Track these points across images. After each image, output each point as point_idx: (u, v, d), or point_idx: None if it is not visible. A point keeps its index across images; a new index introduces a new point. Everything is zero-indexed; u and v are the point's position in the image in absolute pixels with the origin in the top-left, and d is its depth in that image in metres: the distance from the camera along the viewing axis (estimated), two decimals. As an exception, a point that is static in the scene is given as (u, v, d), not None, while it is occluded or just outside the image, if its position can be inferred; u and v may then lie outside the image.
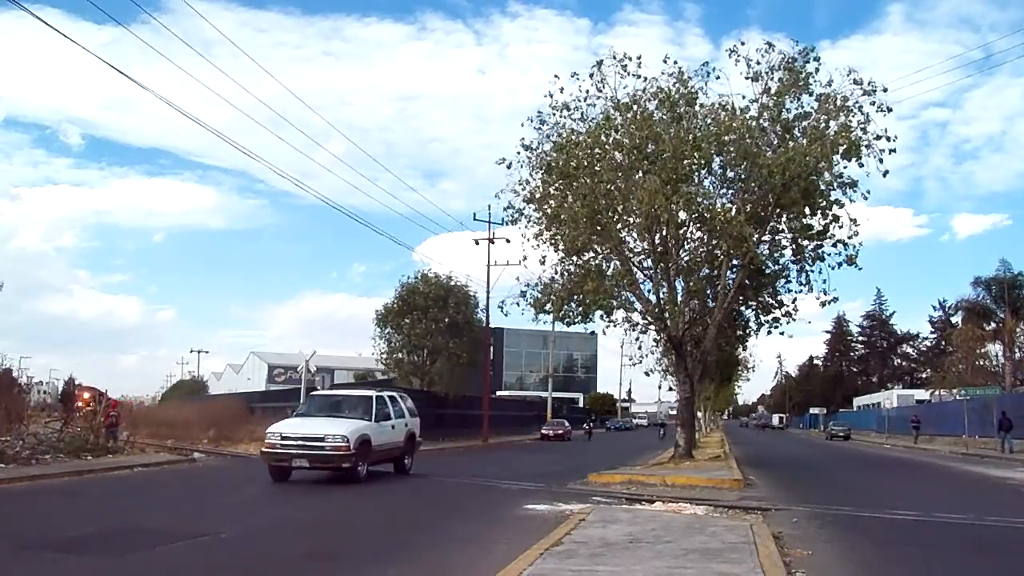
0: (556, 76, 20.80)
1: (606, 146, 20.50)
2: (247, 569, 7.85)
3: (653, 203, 18.77)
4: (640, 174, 19.89)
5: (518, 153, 21.18)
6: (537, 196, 21.17)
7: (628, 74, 20.33)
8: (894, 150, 19.54)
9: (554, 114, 20.80)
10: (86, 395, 28.37)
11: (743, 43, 20.49)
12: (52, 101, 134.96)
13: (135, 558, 8.08)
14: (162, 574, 7.61)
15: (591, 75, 20.56)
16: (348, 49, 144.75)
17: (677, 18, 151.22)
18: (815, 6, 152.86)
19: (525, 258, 22.15)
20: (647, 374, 29.20)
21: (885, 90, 19.71)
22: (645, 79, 20.40)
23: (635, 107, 20.42)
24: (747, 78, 20.28)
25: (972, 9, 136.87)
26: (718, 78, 20.73)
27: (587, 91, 20.66)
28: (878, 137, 19.51)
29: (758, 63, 20.15)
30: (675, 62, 20.74)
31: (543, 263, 21.71)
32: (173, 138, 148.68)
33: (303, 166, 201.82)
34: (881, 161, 19.58)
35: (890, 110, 19.75)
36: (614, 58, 20.47)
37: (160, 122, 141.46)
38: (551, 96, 20.65)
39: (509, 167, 21.27)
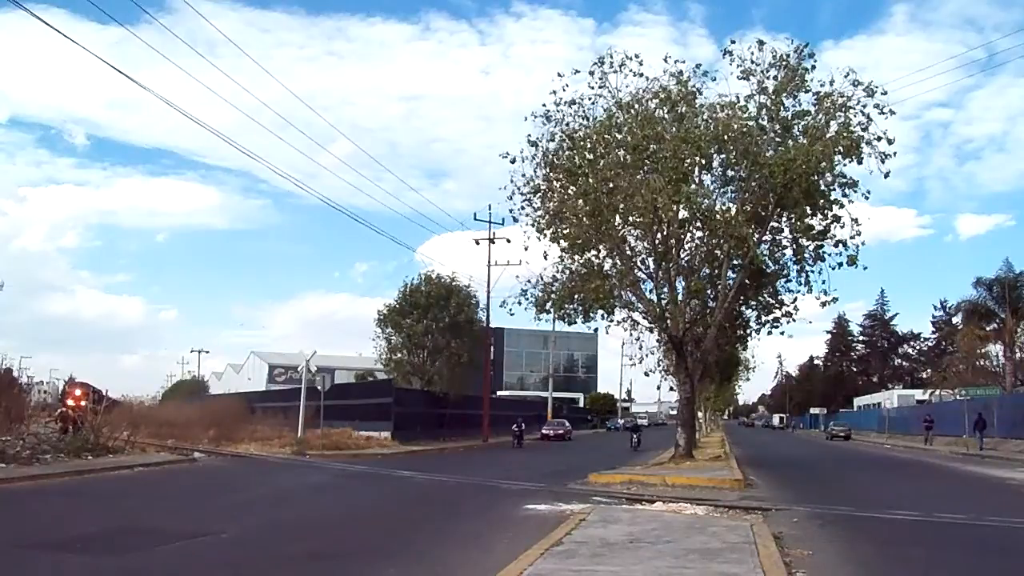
0: (560, 74, 20.83)
1: (610, 144, 20.51)
2: (247, 569, 7.85)
3: (657, 200, 18.77)
4: (642, 173, 19.91)
5: (521, 151, 21.21)
6: (542, 189, 21.22)
7: (629, 72, 20.35)
8: (894, 153, 19.55)
9: (559, 111, 20.83)
10: (78, 391, 27.18)
11: (733, 42, 20.54)
12: (56, 101, 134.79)
13: (136, 558, 8.09)
14: (163, 574, 7.61)
15: (591, 72, 20.59)
16: (352, 49, 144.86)
17: (682, 18, 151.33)
18: (819, 6, 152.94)
19: (526, 249, 22.16)
20: (647, 374, 29.38)
21: (884, 93, 19.71)
22: (647, 78, 20.43)
23: (637, 106, 20.43)
24: (739, 78, 20.30)
25: (976, 10, 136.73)
26: (714, 80, 20.77)
27: (590, 88, 20.68)
28: (879, 138, 19.50)
29: (751, 61, 20.16)
30: (676, 61, 20.78)
31: (546, 257, 21.75)
32: (177, 138, 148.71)
33: (307, 166, 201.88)
34: (882, 161, 19.57)
35: (893, 112, 19.73)
36: (611, 58, 20.49)
37: (164, 122, 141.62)
38: (555, 94, 20.69)
39: (513, 162, 21.31)
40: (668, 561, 7.58)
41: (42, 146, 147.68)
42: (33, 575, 7.45)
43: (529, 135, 21.06)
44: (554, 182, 21.13)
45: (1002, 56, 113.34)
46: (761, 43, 20.20)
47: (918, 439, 45.47)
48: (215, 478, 18.65)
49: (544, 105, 20.94)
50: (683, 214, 20.83)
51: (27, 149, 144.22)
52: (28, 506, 12.49)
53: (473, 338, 40.24)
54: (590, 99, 20.72)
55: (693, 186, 20.06)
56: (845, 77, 19.68)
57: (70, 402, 25.39)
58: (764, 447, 43.72)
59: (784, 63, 19.95)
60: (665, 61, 20.65)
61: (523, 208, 21.75)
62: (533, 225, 21.52)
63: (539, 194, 21.33)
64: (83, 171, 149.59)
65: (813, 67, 20.10)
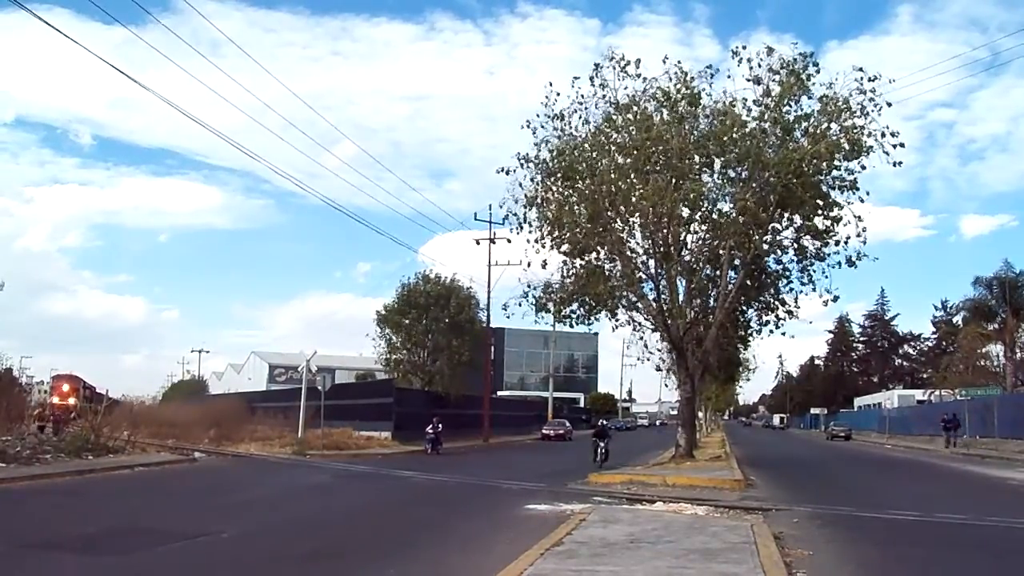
0: (550, 83, 20.83)
1: (608, 147, 20.52)
2: (248, 569, 7.86)
3: (663, 199, 18.78)
4: (643, 174, 19.90)
5: (521, 164, 21.11)
6: (538, 201, 21.18)
7: (627, 75, 20.33)
8: (902, 145, 19.47)
9: (551, 121, 20.81)
10: (65, 386, 26.06)
11: (745, 47, 20.46)
12: (60, 101, 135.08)
13: (137, 558, 8.09)
14: (163, 574, 7.62)
15: (591, 79, 20.56)
16: (357, 49, 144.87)
17: (686, 19, 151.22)
18: (824, 7, 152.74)
19: (529, 264, 21.99)
20: (657, 369, 29.09)
21: (892, 80, 19.57)
22: (645, 79, 20.42)
23: (635, 107, 20.44)
24: (748, 80, 20.29)
25: (981, 10, 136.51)
26: (729, 77, 20.81)
27: (587, 94, 20.65)
28: (883, 135, 19.43)
29: (759, 65, 20.14)
30: (677, 63, 20.75)
31: (544, 267, 21.70)
32: (180, 138, 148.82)
33: (309, 166, 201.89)
34: (887, 154, 19.48)
35: (889, 105, 19.58)
36: (610, 60, 20.49)
37: (168, 122, 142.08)
38: (546, 104, 20.70)
39: (508, 174, 21.23)
40: (669, 561, 7.58)
41: (46, 146, 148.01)
42: (33, 575, 7.45)
43: (518, 152, 21.04)
44: (551, 189, 21.08)
45: (1006, 56, 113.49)
46: (770, 49, 20.20)
47: (919, 439, 45.28)
48: (215, 478, 18.65)
49: (538, 116, 21.01)
50: (685, 213, 20.83)
51: (31, 149, 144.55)
52: (28, 506, 12.49)
53: (474, 338, 40.22)
54: (583, 105, 20.69)
55: (695, 184, 20.03)
56: (860, 71, 19.50)
57: (55, 399, 24.66)
58: (764, 447, 43.70)
59: (790, 69, 19.92)
60: (664, 62, 20.65)
61: (524, 218, 21.68)
62: (532, 235, 21.48)
63: (536, 205, 21.23)
64: (87, 171, 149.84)
65: (818, 72, 20.07)
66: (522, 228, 21.65)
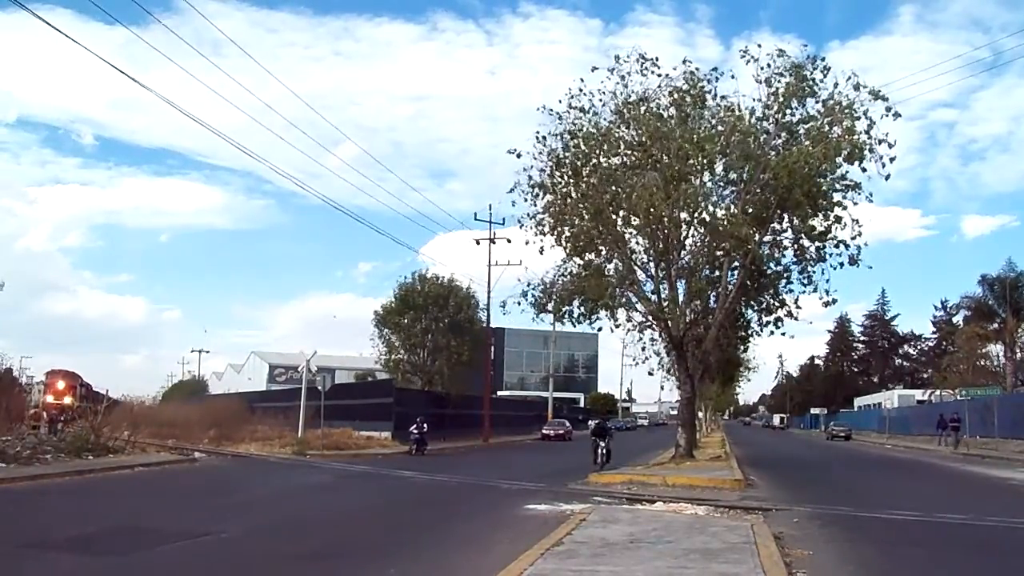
0: (582, 78, 20.83)
1: (614, 144, 20.53)
2: (248, 569, 7.86)
3: (653, 201, 18.80)
4: (644, 173, 19.91)
5: (534, 147, 21.14)
6: (547, 187, 21.19)
7: (649, 72, 20.39)
8: (894, 158, 19.53)
9: (569, 113, 20.80)
10: (60, 383, 25.50)
11: (759, 46, 20.51)
12: (61, 101, 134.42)
13: (137, 557, 8.10)
14: (164, 574, 7.62)
15: (611, 70, 20.56)
16: (358, 49, 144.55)
17: (688, 19, 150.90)
18: (826, 7, 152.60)
19: (527, 242, 21.93)
20: (650, 373, 28.84)
21: (886, 99, 19.66)
22: (662, 75, 20.51)
23: (645, 104, 20.46)
24: (758, 81, 20.30)
25: (983, 11, 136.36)
26: (733, 77, 20.85)
27: (602, 89, 20.68)
28: (880, 142, 19.46)
29: (769, 65, 20.15)
30: (691, 63, 20.88)
31: (543, 252, 21.64)
32: (181, 138, 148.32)
33: (311, 166, 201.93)
34: (884, 166, 19.54)
35: (898, 115, 19.67)
36: (628, 58, 20.54)
37: (169, 122, 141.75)
38: (570, 96, 20.65)
39: (519, 156, 21.29)
40: (669, 561, 7.58)
41: (47, 146, 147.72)
42: (33, 575, 7.45)
43: (538, 132, 21.01)
44: (558, 180, 21.10)
45: (1007, 56, 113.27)
46: (781, 51, 20.23)
47: (919, 439, 45.28)
48: (215, 478, 18.66)
49: (560, 101, 20.88)
50: (683, 215, 20.84)
51: (32, 149, 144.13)
52: (28, 506, 12.49)
53: (473, 338, 40.21)
54: (600, 101, 20.71)
55: (691, 187, 20.02)
56: (847, 80, 19.61)
57: (49, 397, 24.34)
58: (764, 447, 43.69)
59: (797, 70, 19.93)
60: (684, 63, 20.76)
61: (528, 203, 21.65)
62: (536, 225, 21.46)
63: (543, 192, 21.26)
64: (88, 171, 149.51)
65: (825, 76, 20.08)
66: (534, 198, 21.53)
